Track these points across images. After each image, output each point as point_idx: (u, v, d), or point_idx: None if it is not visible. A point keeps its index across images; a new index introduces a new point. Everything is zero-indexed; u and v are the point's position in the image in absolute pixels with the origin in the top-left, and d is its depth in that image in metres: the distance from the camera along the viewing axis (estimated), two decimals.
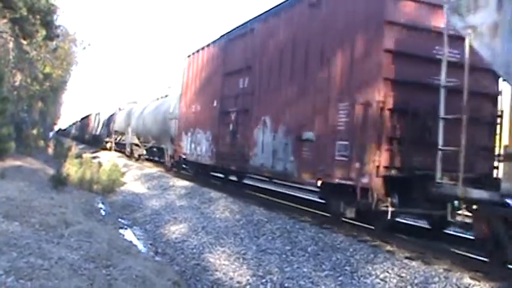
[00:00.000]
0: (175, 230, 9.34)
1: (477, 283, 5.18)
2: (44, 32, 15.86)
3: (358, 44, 7.36)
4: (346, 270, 6.19)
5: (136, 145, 25.25)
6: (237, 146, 11.35)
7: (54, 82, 30.42)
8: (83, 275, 4.63)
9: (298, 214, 9.30)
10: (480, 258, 6.19)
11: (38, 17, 15.14)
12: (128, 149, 26.57)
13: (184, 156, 15.68)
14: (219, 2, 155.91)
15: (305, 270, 6.38)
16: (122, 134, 28.88)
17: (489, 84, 7.15)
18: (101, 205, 12.36)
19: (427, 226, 8.08)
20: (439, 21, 7.01)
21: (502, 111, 6.88)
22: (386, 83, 6.90)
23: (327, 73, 8.00)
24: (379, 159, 6.77)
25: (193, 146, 14.60)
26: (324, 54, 8.19)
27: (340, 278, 5.99)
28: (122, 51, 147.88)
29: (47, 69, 25.56)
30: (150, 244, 8.85)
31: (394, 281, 5.63)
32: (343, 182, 7.37)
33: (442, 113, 6.19)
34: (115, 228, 9.50)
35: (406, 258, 6.23)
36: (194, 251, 7.91)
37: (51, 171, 14.22)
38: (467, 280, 5.28)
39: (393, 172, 6.90)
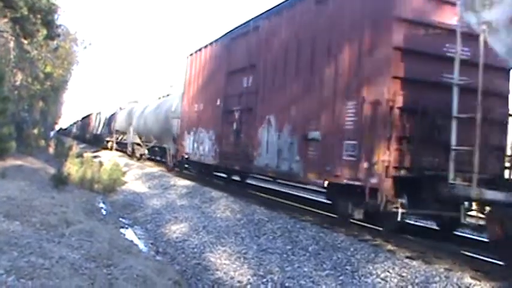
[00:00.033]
0: (176, 230, 9.34)
1: (478, 283, 5.18)
2: (44, 32, 15.86)
3: (366, 41, 7.19)
4: (347, 269, 6.19)
5: (138, 144, 25.10)
6: (240, 146, 11.22)
7: (55, 81, 30.44)
8: (84, 274, 4.64)
9: (299, 214, 9.29)
10: (482, 258, 6.20)
11: (38, 16, 15.14)
12: (130, 149, 26.44)
13: (186, 156, 15.52)
14: (222, 0, 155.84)
15: (306, 269, 6.37)
16: (123, 133, 28.78)
17: (501, 83, 7.06)
18: (101, 204, 12.37)
19: (435, 227, 7.97)
20: (449, 17, 6.92)
21: None
22: (396, 81, 6.75)
23: (334, 71, 7.85)
24: (389, 159, 6.64)
25: (195, 145, 14.46)
26: (330, 52, 8.02)
27: (341, 278, 5.99)
28: (123, 50, 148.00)
29: (48, 69, 25.58)
30: (151, 243, 8.85)
31: (395, 280, 5.62)
32: (351, 182, 7.23)
33: (454, 112, 6.05)
34: (116, 227, 9.50)
35: (407, 257, 6.22)
36: (195, 250, 7.91)
37: (52, 171, 14.23)
38: (468, 280, 5.27)
39: (402, 172, 6.78)
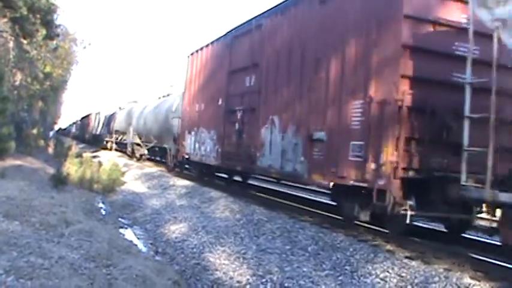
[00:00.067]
0: (176, 230, 9.34)
1: (477, 283, 5.18)
2: (44, 31, 15.86)
3: (373, 38, 7.03)
4: (346, 269, 6.19)
5: (138, 145, 24.97)
6: (243, 146, 11.05)
7: (54, 81, 30.42)
8: (83, 274, 4.64)
9: (298, 214, 9.29)
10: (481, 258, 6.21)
11: (38, 16, 15.14)
12: (129, 149, 26.32)
13: (187, 156, 15.33)
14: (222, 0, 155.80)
15: (305, 269, 6.37)
16: (123, 133, 28.71)
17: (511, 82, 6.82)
18: (101, 204, 12.36)
19: (442, 229, 7.88)
20: (458, 15, 6.83)
21: None
22: (404, 80, 6.61)
23: (340, 70, 7.70)
24: (397, 160, 6.47)
25: (197, 145, 14.28)
26: (336, 51, 7.85)
27: (340, 278, 5.99)
28: (122, 50, 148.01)
29: (47, 69, 25.56)
30: (151, 243, 8.85)
31: (394, 280, 5.63)
32: (358, 184, 7.08)
33: (467, 112, 5.86)
34: (115, 227, 9.50)
35: (406, 257, 6.23)
36: (194, 250, 7.91)
37: (51, 171, 14.22)
38: (467, 280, 5.28)
39: (411, 173, 6.63)
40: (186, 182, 14.80)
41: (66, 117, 77.28)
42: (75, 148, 28.21)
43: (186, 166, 17.13)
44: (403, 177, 6.52)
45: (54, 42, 20.58)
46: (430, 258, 6.13)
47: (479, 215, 6.95)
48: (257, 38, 10.72)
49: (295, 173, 8.79)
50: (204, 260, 7.36)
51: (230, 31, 12.45)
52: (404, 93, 6.53)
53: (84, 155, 22.55)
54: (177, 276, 6.37)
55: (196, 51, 15.06)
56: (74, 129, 64.49)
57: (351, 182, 7.22)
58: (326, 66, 8.09)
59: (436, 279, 5.40)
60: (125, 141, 28.15)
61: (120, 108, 32.49)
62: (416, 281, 5.48)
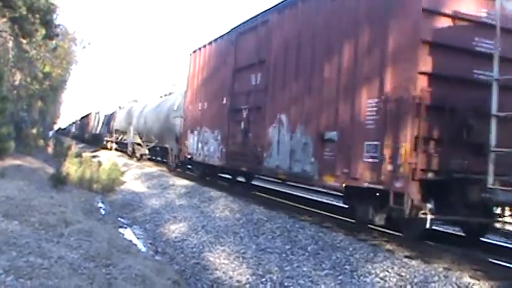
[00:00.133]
0: (175, 229, 9.34)
1: (477, 282, 5.18)
2: (43, 31, 15.84)
3: (391, 34, 6.66)
4: (346, 269, 6.19)
5: (139, 144, 24.72)
6: (249, 146, 10.70)
7: (53, 81, 30.41)
8: (83, 274, 4.64)
9: (298, 213, 9.29)
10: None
11: (37, 16, 15.13)
12: (130, 149, 26.10)
13: (189, 156, 14.97)
14: None
15: (305, 269, 6.37)
16: (123, 133, 28.56)
17: None
18: (100, 204, 12.37)
19: (460, 233, 7.64)
20: (477, 9, 6.64)
21: None
22: (423, 77, 6.32)
23: (354, 67, 7.33)
24: (416, 161, 6.16)
25: (200, 145, 13.93)
26: (349, 46, 7.47)
27: (340, 277, 5.99)
28: (123, 49, 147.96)
29: (47, 68, 25.53)
30: (150, 243, 8.85)
31: (394, 280, 5.63)
32: (373, 186, 6.76)
33: (494, 110, 5.59)
34: (115, 227, 9.50)
35: (406, 257, 6.23)
36: (194, 250, 7.91)
37: (50, 171, 14.23)
38: (466, 279, 5.28)
39: (430, 175, 6.36)
40: (186, 182, 14.79)
41: (66, 117, 77.41)
42: (75, 148, 28.24)
43: (189, 166, 16.84)
44: (421, 179, 6.23)
45: (54, 42, 20.56)
46: (429, 257, 6.12)
47: (500, 219, 6.74)
48: (264, 34, 10.38)
49: (304, 174, 8.46)
50: (203, 260, 7.36)
51: (235, 28, 12.12)
52: (423, 90, 6.25)
53: (84, 154, 22.58)
54: (176, 275, 6.38)
55: (199, 48, 14.69)
56: (73, 129, 64.50)
57: (365, 184, 6.90)
58: (338, 62, 7.72)
59: (436, 278, 5.40)
60: (125, 141, 28.04)
61: (120, 107, 32.45)
62: (416, 280, 5.48)
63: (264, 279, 6.27)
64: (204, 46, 14.29)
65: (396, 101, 6.45)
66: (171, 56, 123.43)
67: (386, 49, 6.70)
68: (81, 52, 36.34)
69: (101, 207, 11.87)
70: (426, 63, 6.35)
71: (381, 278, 5.72)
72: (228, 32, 12.56)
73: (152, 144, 22.21)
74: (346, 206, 8.23)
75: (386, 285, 5.57)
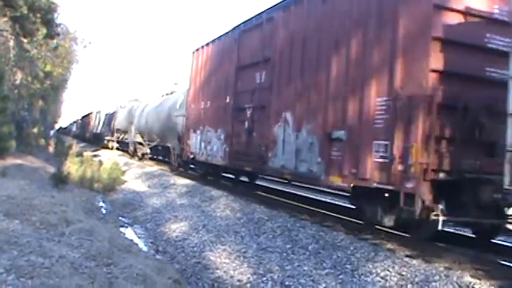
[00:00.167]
0: (176, 228, 9.35)
1: (478, 281, 5.17)
2: (44, 31, 15.84)
3: (400, 30, 6.50)
4: (346, 268, 6.19)
5: (140, 144, 24.61)
6: (253, 146, 10.55)
7: (54, 80, 30.41)
8: (84, 273, 4.64)
9: (299, 212, 9.28)
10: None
11: (38, 15, 15.13)
12: (131, 148, 26.00)
13: (192, 156, 14.81)
14: None
15: (306, 268, 6.38)
16: (124, 132, 28.52)
17: None
18: (101, 203, 12.38)
19: (470, 234, 7.51)
20: (489, 5, 6.56)
21: None
22: (434, 74, 6.19)
23: (363, 64, 7.16)
24: (427, 161, 6.04)
25: (202, 145, 13.79)
26: (358, 43, 7.29)
27: (340, 276, 5.99)
28: (124, 48, 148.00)
29: (48, 68, 25.54)
30: (151, 242, 8.85)
31: (395, 279, 5.62)
32: (382, 186, 6.62)
33: (511, 109, 5.48)
34: (116, 226, 9.51)
35: (407, 256, 6.22)
36: (195, 249, 7.92)
37: (51, 170, 14.23)
38: (467, 278, 5.27)
39: (441, 175, 6.24)
40: (187, 181, 14.80)
41: (67, 116, 77.40)
42: (76, 147, 28.29)
43: (191, 166, 16.73)
44: (433, 179, 6.12)
45: (55, 41, 20.56)
46: (430, 256, 6.11)
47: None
48: (268, 31, 10.21)
49: (310, 174, 8.30)
50: (204, 259, 7.37)
51: (238, 25, 11.98)
52: (435, 88, 6.12)
53: (85, 154, 22.60)
54: (177, 275, 6.38)
55: (202, 47, 14.56)
56: (74, 128, 64.56)
57: (374, 185, 6.76)
58: (346, 59, 7.56)
59: (437, 277, 5.40)
60: (126, 140, 27.99)
61: (121, 106, 32.44)
62: (416, 279, 5.48)
63: (264, 279, 6.27)
64: (207, 44, 14.17)
65: (407, 99, 6.31)
66: (173, 54, 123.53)
67: (396, 47, 6.57)
68: (82, 51, 36.47)
69: (101, 207, 11.88)
70: (438, 61, 6.23)
71: (382, 277, 5.72)
72: (231, 30, 12.43)
73: (154, 144, 22.09)
74: (353, 207, 8.07)
75: (387, 284, 5.56)
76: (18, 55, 19.94)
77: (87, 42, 30.56)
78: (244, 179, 14.15)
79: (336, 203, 11.39)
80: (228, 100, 12.07)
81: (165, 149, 20.55)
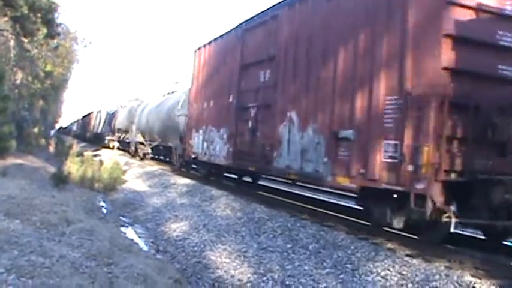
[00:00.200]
0: (177, 228, 9.35)
1: (478, 281, 5.17)
2: (45, 30, 15.85)
3: (410, 27, 6.34)
4: (347, 267, 6.19)
5: (141, 143, 24.50)
6: (257, 145, 10.37)
7: (55, 80, 30.42)
8: (84, 273, 4.64)
9: (299, 212, 9.28)
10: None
11: (38, 15, 15.14)
12: (133, 148, 25.89)
13: (194, 156, 14.61)
14: None
15: (306, 268, 6.38)
16: (125, 131, 28.43)
17: None
18: (102, 203, 12.38)
19: (480, 236, 7.40)
20: (501, 1, 6.44)
21: None
22: (446, 72, 6.07)
23: (370, 62, 7.01)
24: (439, 161, 5.91)
25: (205, 144, 13.62)
26: (365, 40, 7.15)
27: (341, 276, 5.99)
28: (124, 47, 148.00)
29: (48, 68, 25.55)
30: (152, 242, 8.86)
31: (395, 278, 5.62)
32: (391, 187, 6.47)
33: None
34: (116, 226, 9.51)
35: (407, 255, 6.23)
36: (195, 248, 7.92)
37: (52, 170, 14.24)
38: (468, 278, 5.27)
39: (453, 176, 6.10)
40: (187, 181, 14.80)
41: (67, 116, 77.53)
42: (76, 147, 28.30)
43: (193, 166, 16.60)
44: (444, 180, 5.99)
45: (55, 41, 20.56)
46: (431, 256, 6.11)
47: None
48: (274, 28, 10.01)
49: (316, 174, 8.11)
50: (205, 259, 7.37)
51: (242, 23, 11.79)
52: (446, 87, 5.99)
53: (85, 153, 22.60)
54: (178, 274, 6.38)
55: (204, 45, 14.40)
56: (74, 128, 64.59)
57: (384, 186, 6.59)
58: (353, 58, 7.40)
59: (437, 277, 5.40)
60: (127, 140, 27.95)
61: (121, 106, 32.43)
62: (417, 279, 5.48)
63: (265, 278, 6.27)
64: (209, 43, 14.02)
65: (418, 98, 6.17)
66: (174, 53, 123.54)
67: (406, 44, 6.40)
68: (82, 51, 36.47)
69: (102, 206, 11.88)
70: (450, 59, 6.11)
71: (382, 277, 5.72)
72: (234, 28, 12.28)
73: (155, 143, 22.00)
74: (361, 208, 7.91)
75: (388, 283, 5.57)
76: (18, 55, 19.95)
77: (87, 41, 30.63)
78: (246, 179, 14.07)
79: (337, 202, 11.40)
80: (231, 99, 11.92)
81: (166, 148, 20.47)
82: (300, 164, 8.63)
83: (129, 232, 9.51)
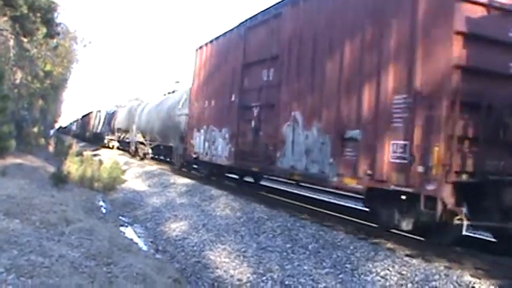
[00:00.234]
0: (176, 228, 9.35)
1: (478, 280, 5.18)
2: (44, 30, 15.86)
3: (420, 24, 6.20)
4: (346, 267, 6.19)
5: (142, 143, 24.37)
6: (260, 146, 10.22)
7: (54, 80, 30.41)
8: (84, 272, 4.65)
9: (299, 212, 9.28)
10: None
11: (38, 14, 15.15)
12: (133, 148, 25.76)
13: (195, 156, 14.40)
14: None
15: (306, 267, 6.38)
16: (125, 131, 28.34)
17: None
18: (101, 203, 12.39)
19: (490, 239, 7.19)
20: None
21: None
22: (457, 71, 5.91)
23: (378, 60, 6.85)
24: (450, 162, 5.78)
25: (206, 144, 13.44)
26: (373, 38, 7.00)
27: (340, 276, 5.99)
28: (124, 47, 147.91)
29: (48, 67, 25.54)
30: (151, 242, 8.86)
31: (395, 278, 5.63)
32: (400, 188, 6.33)
33: None
34: (116, 225, 9.52)
35: (407, 255, 6.23)
36: (195, 248, 7.92)
37: (51, 169, 14.23)
38: (467, 278, 5.28)
39: (464, 177, 5.99)
40: (187, 180, 14.79)
41: (67, 115, 77.51)
42: (76, 146, 28.30)
43: (194, 166, 16.49)
44: (455, 181, 5.86)
45: (55, 40, 20.58)
46: (430, 256, 6.12)
47: None
48: (277, 27, 9.86)
49: (322, 175, 7.96)
50: (204, 258, 7.37)
51: (244, 22, 11.63)
52: (457, 86, 5.85)
53: (85, 153, 22.61)
54: (177, 274, 6.39)
55: (206, 44, 14.20)
56: (74, 128, 64.56)
57: (392, 187, 6.44)
58: (361, 55, 7.26)
59: (437, 277, 5.40)
60: (127, 140, 27.88)
61: (121, 106, 32.42)
62: (416, 279, 5.48)
63: (264, 278, 6.27)
64: (211, 41, 13.89)
65: (427, 97, 6.03)
66: (174, 53, 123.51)
67: (416, 42, 6.27)
68: (82, 51, 36.37)
69: (101, 206, 11.89)
70: (461, 57, 5.97)
71: (382, 277, 5.73)
72: (236, 26, 12.13)
73: (156, 143, 21.89)
74: (367, 209, 7.79)
75: (387, 283, 5.57)
76: (18, 54, 19.93)
77: (87, 41, 30.57)
78: (248, 179, 14.01)
79: (337, 202, 11.40)
80: (233, 98, 11.74)
81: (167, 148, 20.35)
82: (304, 165, 8.50)
83: (129, 232, 9.52)
